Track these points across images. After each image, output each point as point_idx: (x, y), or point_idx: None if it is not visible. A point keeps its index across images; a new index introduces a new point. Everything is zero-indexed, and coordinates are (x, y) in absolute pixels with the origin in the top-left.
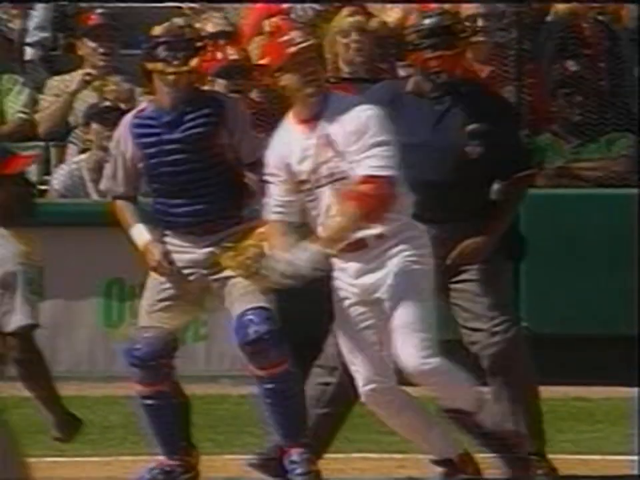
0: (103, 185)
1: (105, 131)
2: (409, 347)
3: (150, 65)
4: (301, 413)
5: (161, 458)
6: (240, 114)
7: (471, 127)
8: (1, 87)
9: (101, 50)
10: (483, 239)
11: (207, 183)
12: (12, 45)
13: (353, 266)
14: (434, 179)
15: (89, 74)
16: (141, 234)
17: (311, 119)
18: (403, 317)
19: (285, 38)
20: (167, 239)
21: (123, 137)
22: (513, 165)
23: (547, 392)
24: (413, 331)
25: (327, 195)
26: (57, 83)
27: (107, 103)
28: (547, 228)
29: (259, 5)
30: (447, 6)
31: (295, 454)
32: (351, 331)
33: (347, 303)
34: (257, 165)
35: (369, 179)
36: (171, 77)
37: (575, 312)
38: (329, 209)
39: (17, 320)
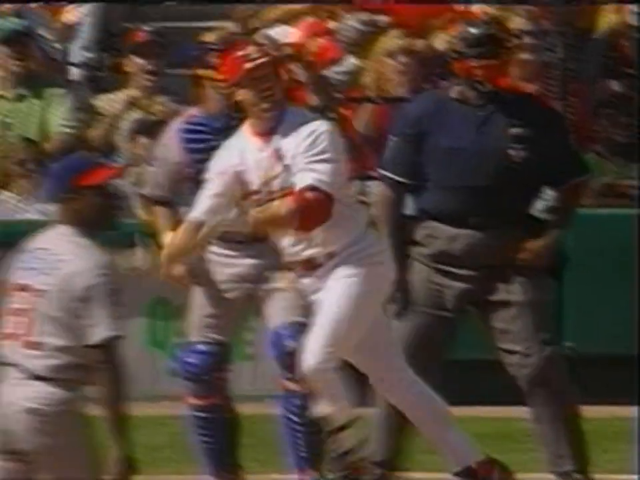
0: (144, 190)
1: (153, 145)
2: (310, 346)
3: (201, 71)
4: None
5: (207, 477)
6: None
7: (514, 130)
8: (45, 102)
9: (148, 67)
10: (544, 243)
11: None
12: (56, 64)
13: (307, 283)
14: (478, 184)
15: (134, 97)
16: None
17: (266, 133)
18: (321, 317)
19: (242, 53)
20: (213, 249)
21: (171, 142)
22: (566, 171)
23: (592, 412)
24: (320, 334)
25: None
26: (102, 103)
27: (154, 118)
28: (592, 246)
29: (304, 25)
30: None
31: (309, 477)
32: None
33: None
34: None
35: (309, 188)
36: (221, 84)
37: (621, 331)
38: None
39: (99, 332)
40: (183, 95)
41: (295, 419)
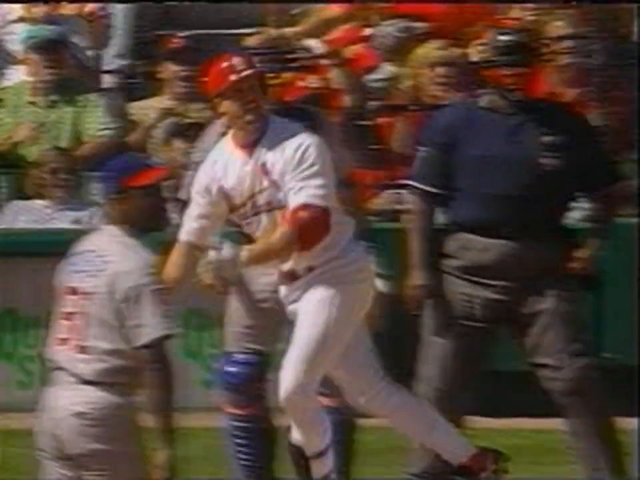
0: (181, 194)
1: (188, 148)
2: (286, 372)
3: None
4: None
5: None
6: (331, 129)
7: (546, 139)
8: (78, 109)
9: (183, 74)
10: (583, 253)
11: None
12: (90, 71)
13: (285, 292)
14: (510, 194)
15: (168, 105)
16: None
17: (249, 145)
18: (297, 340)
19: (226, 64)
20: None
21: (210, 145)
22: (599, 179)
23: (632, 424)
24: (296, 359)
25: (263, 223)
26: (136, 111)
27: (189, 120)
28: (630, 257)
29: (340, 32)
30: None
31: None
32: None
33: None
34: (342, 183)
35: (304, 206)
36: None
37: None
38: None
39: (148, 333)
40: None
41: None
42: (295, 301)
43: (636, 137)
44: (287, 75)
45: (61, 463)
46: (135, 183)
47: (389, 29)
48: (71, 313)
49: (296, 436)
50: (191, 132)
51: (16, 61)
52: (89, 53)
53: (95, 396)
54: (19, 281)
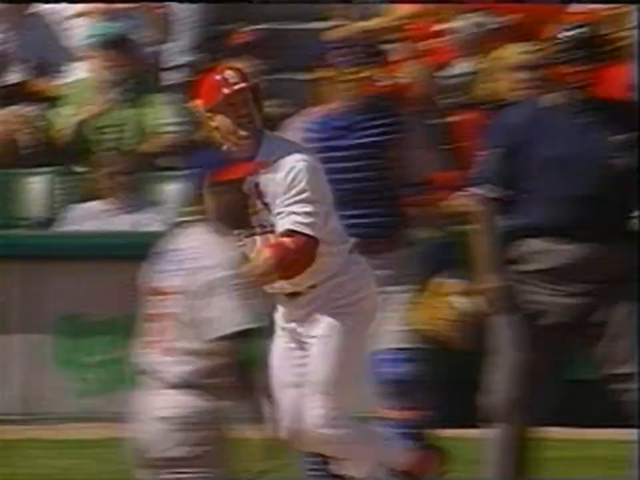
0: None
1: None
2: (309, 408)
3: (326, 70)
4: None
5: None
6: (417, 129)
7: (614, 138)
8: (142, 106)
9: (251, 70)
10: None
11: (374, 196)
12: (152, 69)
13: (282, 310)
14: (579, 195)
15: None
16: None
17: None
18: (315, 374)
19: (219, 77)
20: None
21: None
22: None
23: None
24: (318, 392)
25: (258, 246)
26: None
27: None
28: None
29: (415, 27)
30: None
31: None
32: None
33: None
34: (423, 187)
35: (289, 233)
36: (349, 83)
37: None
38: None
39: (225, 326)
40: (293, 98)
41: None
42: (296, 320)
43: None
44: (369, 70)
45: (149, 469)
46: (223, 178)
47: (464, 24)
48: (156, 315)
49: (336, 467)
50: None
51: (77, 58)
52: (152, 48)
53: (181, 399)
54: (80, 285)
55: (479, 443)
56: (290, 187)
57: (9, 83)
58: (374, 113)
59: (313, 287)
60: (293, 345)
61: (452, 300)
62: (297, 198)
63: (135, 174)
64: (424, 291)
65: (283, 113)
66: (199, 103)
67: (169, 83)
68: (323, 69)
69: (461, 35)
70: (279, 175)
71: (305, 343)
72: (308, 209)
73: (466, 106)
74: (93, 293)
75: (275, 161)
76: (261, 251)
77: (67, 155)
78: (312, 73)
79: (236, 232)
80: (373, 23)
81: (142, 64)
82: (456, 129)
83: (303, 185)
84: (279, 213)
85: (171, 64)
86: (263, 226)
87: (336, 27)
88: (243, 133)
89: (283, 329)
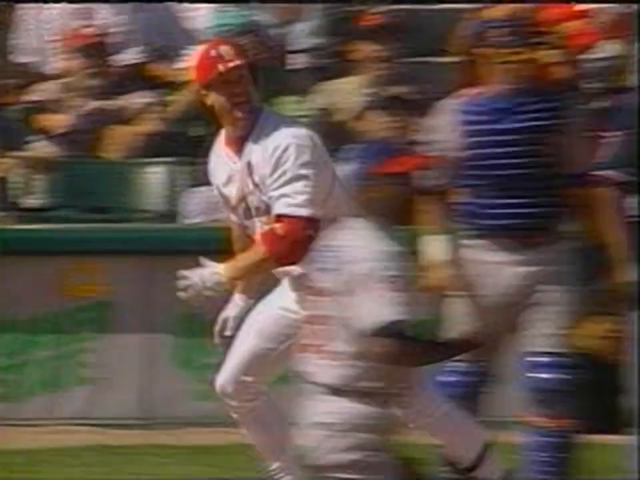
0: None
1: (389, 119)
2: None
3: (483, 50)
4: None
5: None
6: (578, 115)
7: None
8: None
9: (383, 54)
10: None
11: (533, 184)
12: (279, 52)
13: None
14: None
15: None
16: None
17: (237, 142)
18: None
19: (214, 53)
20: (471, 249)
21: (445, 124)
22: None
23: None
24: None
25: (257, 229)
26: (328, 92)
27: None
28: None
29: (558, 7)
30: None
31: None
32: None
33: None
34: (581, 178)
35: (282, 218)
36: (509, 64)
37: None
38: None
39: (378, 318)
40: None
41: (541, 456)
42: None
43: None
44: (532, 52)
45: (308, 473)
46: (387, 170)
47: (608, 5)
48: (313, 316)
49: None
50: (394, 104)
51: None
52: (278, 30)
53: (341, 404)
54: None
55: (621, 449)
56: (276, 167)
57: (125, 63)
58: (536, 96)
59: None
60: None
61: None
62: (285, 178)
63: None
64: (584, 297)
65: (421, 98)
66: (193, 79)
67: (297, 67)
68: (479, 49)
69: (606, 16)
70: (266, 154)
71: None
72: (300, 187)
73: (612, 90)
74: None
75: (265, 138)
76: (254, 245)
77: (186, 144)
78: (449, 56)
79: (397, 227)
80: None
81: (269, 50)
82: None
83: (289, 163)
84: (270, 197)
85: (298, 47)
86: (258, 208)
87: (479, 9)
88: (238, 111)
89: (287, 309)
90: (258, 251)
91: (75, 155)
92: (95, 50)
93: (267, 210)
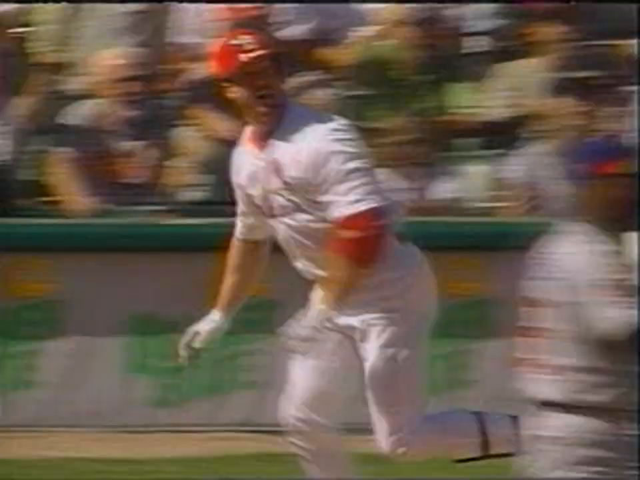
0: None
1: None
2: (380, 430)
3: None
4: None
5: None
6: None
7: None
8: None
9: (566, 36)
10: None
11: None
12: (452, 36)
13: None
14: None
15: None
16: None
17: (262, 138)
18: (374, 396)
19: (235, 43)
20: None
21: None
22: None
23: None
24: (382, 413)
25: (283, 228)
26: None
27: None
28: None
29: None
30: None
31: None
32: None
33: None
34: None
35: (348, 220)
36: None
37: None
38: (288, 242)
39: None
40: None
41: None
42: (346, 314)
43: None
44: None
45: None
46: (606, 171)
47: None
48: (530, 328)
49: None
50: (578, 90)
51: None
52: (451, 13)
53: (570, 420)
54: None
55: None
56: (319, 171)
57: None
58: None
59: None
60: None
61: None
62: (333, 180)
63: (430, 147)
64: None
65: (608, 83)
66: (214, 71)
67: (471, 51)
68: None
69: None
70: (303, 154)
71: (355, 342)
72: (352, 183)
73: None
74: None
75: (296, 137)
76: (332, 259)
77: None
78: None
79: (618, 232)
80: None
81: (450, 37)
82: None
83: (333, 163)
84: (328, 203)
85: (473, 30)
86: (284, 207)
87: None
88: (262, 106)
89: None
90: (339, 265)
91: None
92: (256, 26)
93: (296, 210)
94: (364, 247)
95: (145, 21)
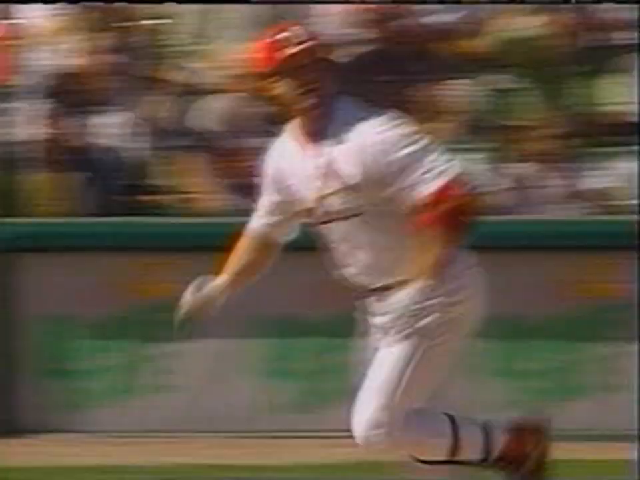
0: None
1: None
2: (361, 415)
3: None
4: None
5: None
6: None
7: None
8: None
9: None
10: None
11: None
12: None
13: (370, 302)
14: None
15: None
16: None
17: (313, 137)
18: (373, 374)
19: (280, 36)
20: None
21: None
22: None
23: None
24: (372, 395)
25: (341, 230)
26: None
27: None
28: None
29: None
30: None
31: None
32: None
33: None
34: None
35: (434, 195)
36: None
37: None
38: (344, 245)
39: None
40: None
41: None
42: (381, 314)
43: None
44: None
45: None
46: None
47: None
48: None
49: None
50: None
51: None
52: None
53: None
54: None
55: None
56: (396, 158)
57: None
58: None
59: (404, 282)
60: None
61: None
62: (412, 159)
63: (580, 142)
64: None
65: None
66: (257, 66)
67: (619, 43)
68: None
69: None
70: (364, 152)
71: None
72: (430, 157)
73: None
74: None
75: (352, 134)
76: (424, 234)
77: None
78: None
79: None
80: None
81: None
82: None
83: (402, 143)
84: (404, 188)
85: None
86: (341, 211)
87: None
88: (309, 102)
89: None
90: (434, 242)
91: None
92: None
93: (357, 211)
94: (459, 214)
95: (277, 14)
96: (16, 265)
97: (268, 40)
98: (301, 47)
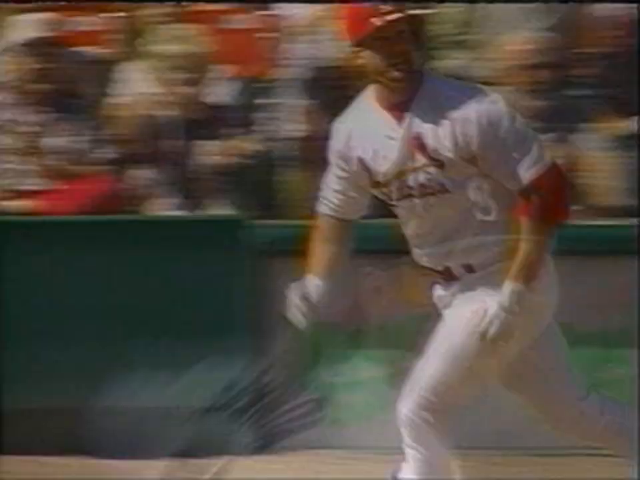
0: None
1: None
2: (406, 392)
3: None
4: None
5: None
6: None
7: None
8: None
9: None
10: None
11: None
12: None
13: (439, 294)
14: None
15: None
16: None
17: (397, 108)
18: (424, 364)
19: (369, 5)
20: None
21: None
22: None
23: None
24: (417, 382)
25: (421, 208)
26: None
27: None
28: None
29: None
30: None
31: None
32: None
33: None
34: None
35: (531, 184)
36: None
37: None
38: (425, 225)
39: None
40: None
41: None
42: (447, 306)
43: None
44: None
45: None
46: None
47: None
48: None
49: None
50: None
51: None
52: None
53: None
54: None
55: None
56: (496, 138)
57: None
58: None
59: (469, 269)
60: None
61: None
62: (513, 140)
63: None
64: None
65: None
66: (343, 34)
67: None
68: None
69: None
70: (457, 127)
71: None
72: (522, 149)
73: None
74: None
75: (443, 109)
76: (523, 226)
77: None
78: None
79: None
80: None
81: None
82: None
83: (500, 126)
84: (496, 170)
85: None
86: (423, 186)
87: None
88: (397, 73)
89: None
90: (534, 233)
91: None
92: None
93: (439, 189)
94: (552, 206)
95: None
96: (274, 268)
97: (356, 9)
98: (390, 17)
